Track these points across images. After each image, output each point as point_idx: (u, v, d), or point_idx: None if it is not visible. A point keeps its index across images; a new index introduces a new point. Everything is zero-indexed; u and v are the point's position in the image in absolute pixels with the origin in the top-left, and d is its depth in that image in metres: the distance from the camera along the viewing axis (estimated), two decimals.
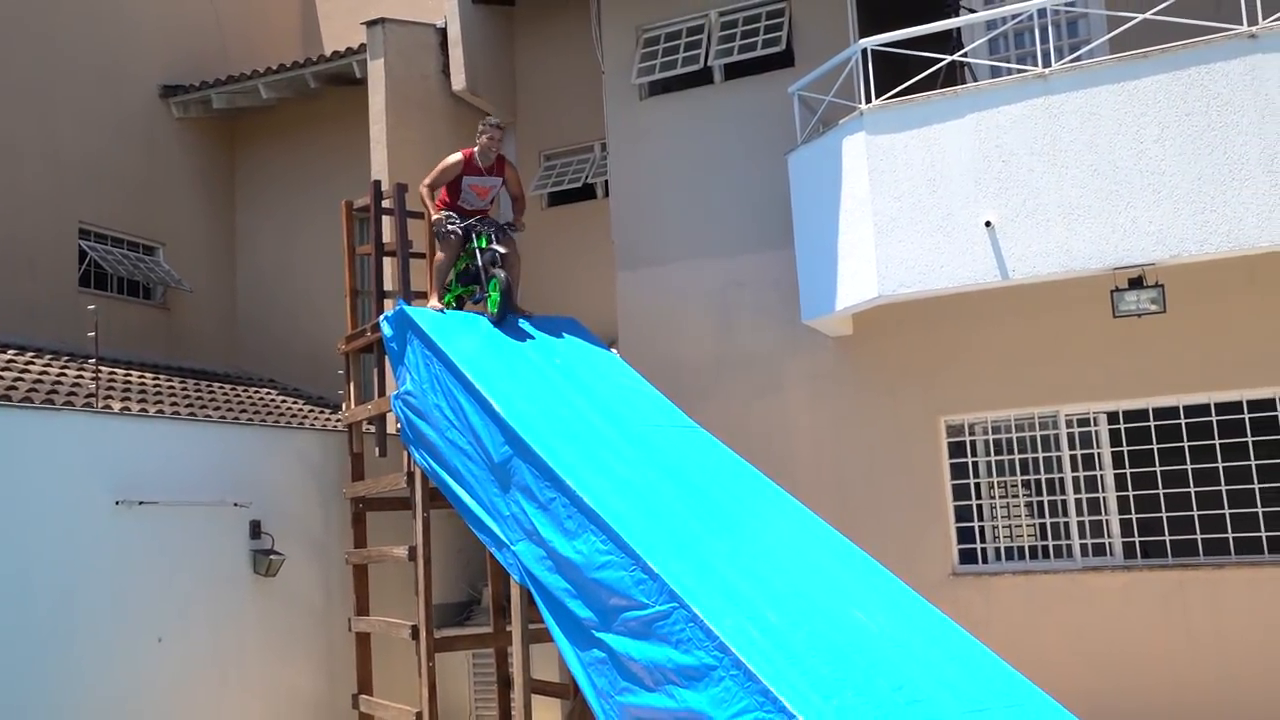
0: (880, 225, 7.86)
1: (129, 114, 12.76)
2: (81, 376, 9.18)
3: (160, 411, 8.55)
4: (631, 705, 5.81)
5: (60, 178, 11.82)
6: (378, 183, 9.41)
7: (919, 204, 7.76)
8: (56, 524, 7.15)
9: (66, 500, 7.23)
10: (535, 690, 7.84)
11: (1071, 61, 7.58)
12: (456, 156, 8.54)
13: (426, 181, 8.55)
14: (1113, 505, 8.34)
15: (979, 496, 8.76)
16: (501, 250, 8.39)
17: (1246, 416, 8.02)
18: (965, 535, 8.75)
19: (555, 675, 8.93)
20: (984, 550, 8.70)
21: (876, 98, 8.01)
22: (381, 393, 8.76)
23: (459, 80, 11.55)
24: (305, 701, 8.79)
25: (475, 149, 8.54)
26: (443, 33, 11.71)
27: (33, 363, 9.43)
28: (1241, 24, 7.06)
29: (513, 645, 7.37)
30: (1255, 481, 7.95)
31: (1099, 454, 8.42)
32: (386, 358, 8.46)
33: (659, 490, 6.68)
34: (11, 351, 9.79)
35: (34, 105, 11.63)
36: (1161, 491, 8.20)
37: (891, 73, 8.34)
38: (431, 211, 8.49)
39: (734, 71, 9.92)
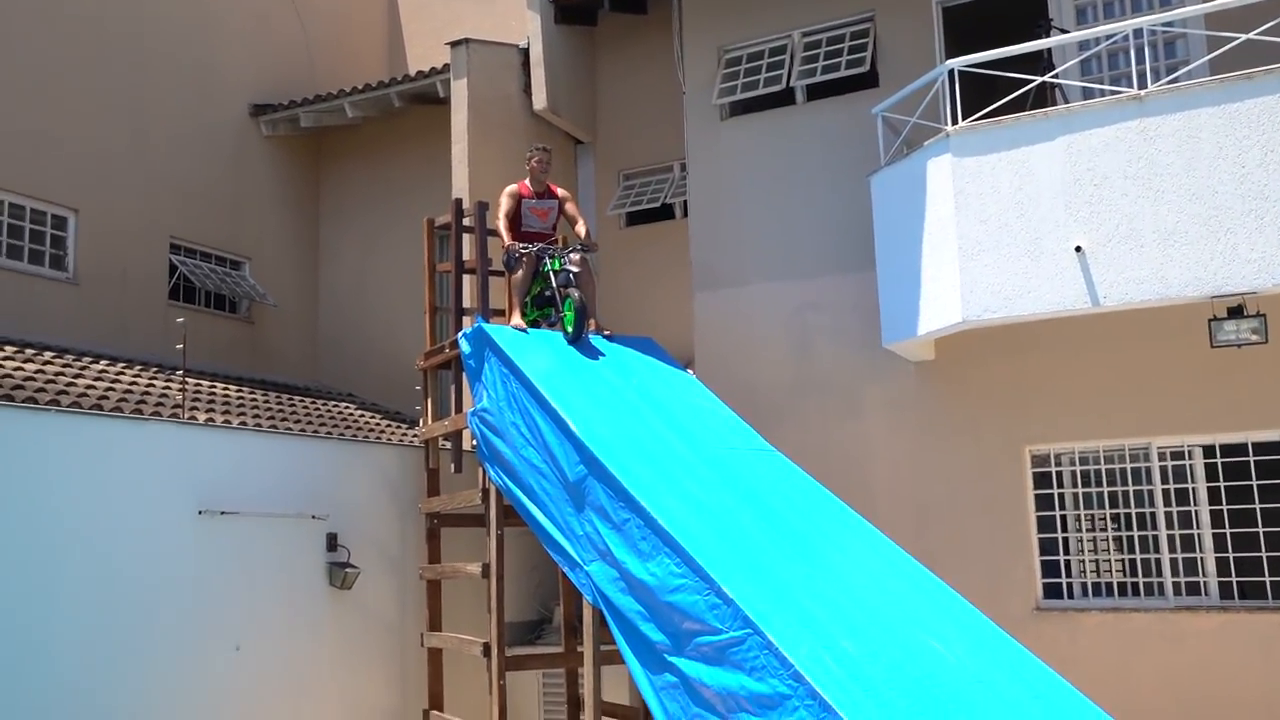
0: (965, 249, 7.69)
1: (220, 131, 13.11)
2: (169, 388, 9.40)
3: (243, 423, 8.71)
4: None
5: (153, 193, 12.17)
6: (459, 201, 9.50)
7: (1006, 227, 7.57)
8: (141, 531, 7.30)
9: (151, 509, 7.38)
10: (605, 712, 7.77)
11: (1169, 83, 7.36)
12: (512, 187, 8.82)
13: (501, 213, 8.68)
14: (1208, 542, 8.01)
15: (1065, 529, 8.49)
16: (575, 269, 8.40)
17: None
18: (1050, 569, 8.48)
19: (626, 698, 8.86)
20: (1070, 585, 8.42)
21: (963, 119, 7.86)
22: (458, 409, 8.80)
23: (540, 100, 11.63)
24: (377, 714, 8.84)
25: (526, 179, 8.79)
26: (525, 53, 11.82)
27: (124, 373, 9.68)
28: None
29: (584, 666, 7.31)
30: None
31: (1193, 489, 8.10)
32: (464, 375, 8.51)
33: (734, 513, 6.59)
34: (104, 362, 10.07)
35: (129, 122, 12.01)
36: (1261, 530, 7.85)
37: (978, 94, 8.19)
38: (506, 240, 8.57)
39: (816, 92, 9.83)
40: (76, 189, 11.40)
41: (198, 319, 12.18)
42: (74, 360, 9.66)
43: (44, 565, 6.74)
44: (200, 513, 7.64)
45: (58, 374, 8.77)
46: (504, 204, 8.72)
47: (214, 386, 10.44)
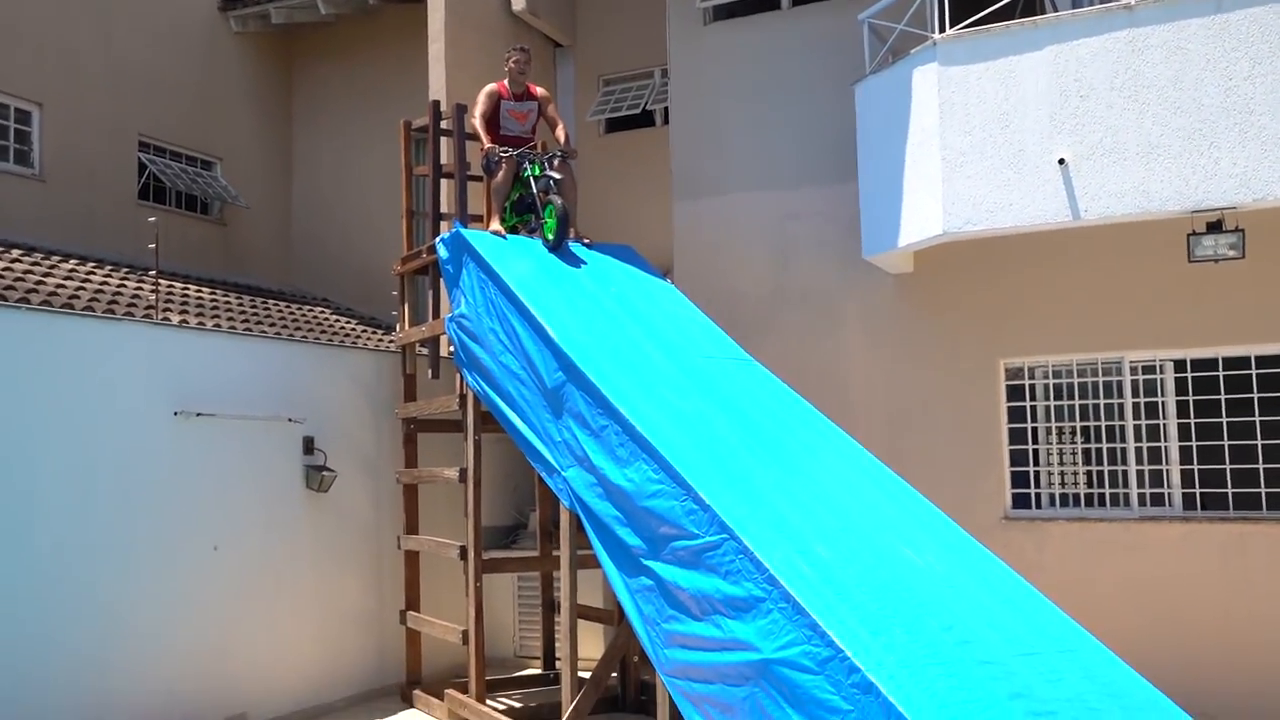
0: (949, 160, 7.63)
1: (188, 26, 12.74)
2: (141, 288, 9.28)
3: (217, 325, 8.62)
4: (678, 633, 5.82)
5: (120, 89, 11.86)
6: (436, 103, 9.31)
7: (990, 139, 7.52)
8: (117, 432, 7.26)
9: (127, 409, 7.33)
10: (580, 615, 7.91)
11: None
12: (491, 86, 8.62)
13: (477, 112, 8.50)
14: (1174, 455, 8.17)
15: (1035, 441, 8.62)
16: (556, 176, 8.29)
17: None
18: (1020, 480, 8.63)
19: (600, 601, 9.01)
20: (1038, 496, 8.58)
21: (950, 27, 7.73)
22: (436, 315, 8.75)
23: (519, 1, 11.34)
24: (354, 615, 8.95)
25: (505, 79, 8.58)
26: None
27: (94, 273, 9.54)
28: None
29: (560, 570, 7.41)
30: None
31: (1163, 403, 8.22)
32: (442, 280, 8.44)
33: (712, 421, 6.62)
34: (73, 261, 9.91)
35: (94, 16, 11.64)
36: (1226, 443, 8.00)
37: (966, 1, 8.04)
38: (485, 141, 8.41)
39: None
40: (41, 83, 11.08)
41: (168, 219, 11.98)
42: (42, 259, 9.49)
43: (20, 465, 6.71)
44: (176, 414, 7.60)
45: (26, 272, 8.62)
46: (481, 104, 8.53)
47: (186, 288, 10.32)
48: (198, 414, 7.71)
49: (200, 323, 8.53)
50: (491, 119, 8.57)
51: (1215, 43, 6.92)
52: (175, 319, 8.38)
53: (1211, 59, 6.94)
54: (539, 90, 8.80)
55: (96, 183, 11.53)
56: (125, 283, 9.45)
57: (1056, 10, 8.23)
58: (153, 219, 9.27)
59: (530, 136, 8.77)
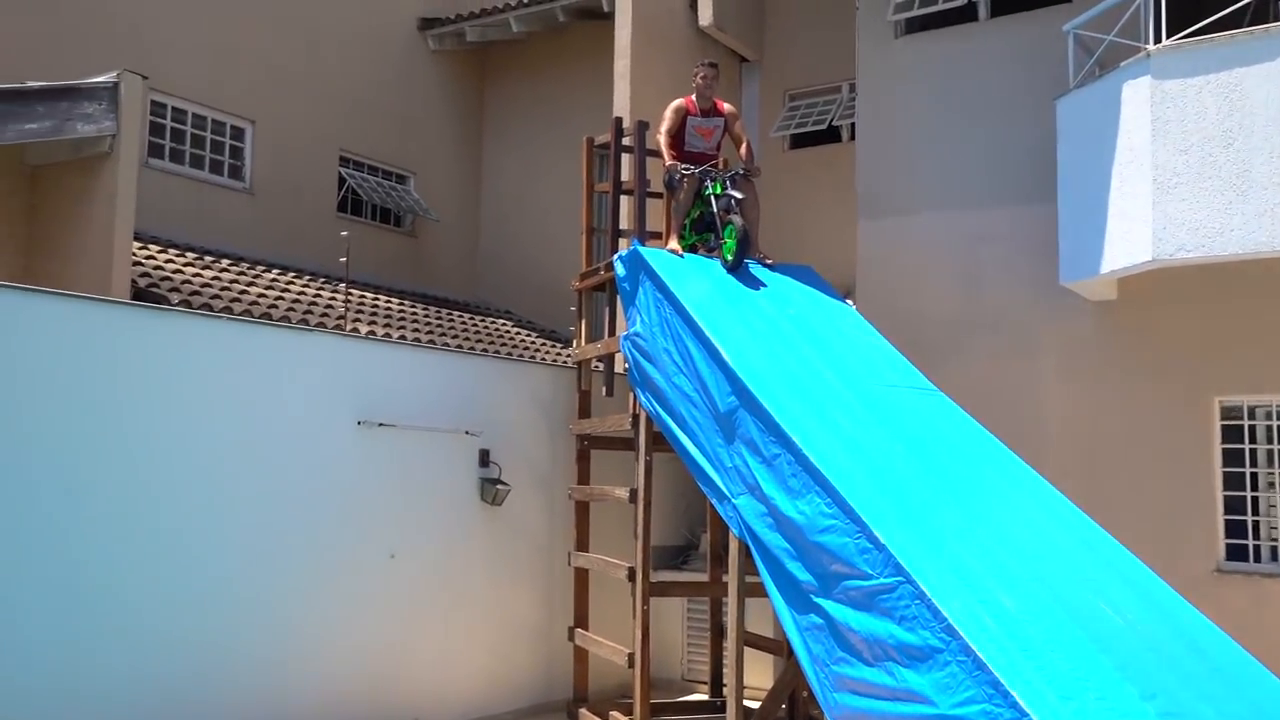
0: (1161, 181, 7.06)
1: (389, 45, 13.26)
2: (335, 298, 9.67)
3: (403, 336, 8.88)
4: (848, 677, 5.55)
5: (324, 106, 12.44)
6: (619, 120, 9.31)
7: (1209, 159, 6.90)
8: (303, 439, 7.54)
9: (313, 417, 7.61)
10: (749, 644, 7.71)
11: None
12: (678, 102, 8.50)
13: (663, 128, 8.44)
14: None
15: (1255, 488, 7.87)
16: (738, 195, 8.12)
17: None
18: (1235, 530, 7.88)
19: (770, 630, 8.76)
20: (1257, 548, 7.83)
21: (1167, 37, 7.15)
22: (612, 332, 8.74)
23: (706, 15, 11.27)
24: (524, 629, 9.03)
25: (692, 94, 8.46)
26: None
27: (293, 283, 10.00)
28: None
29: (728, 598, 7.23)
30: None
31: None
32: (618, 297, 8.41)
33: (891, 454, 6.31)
34: (276, 271, 10.43)
35: (301, 35, 12.25)
36: None
37: (1185, 9, 7.44)
38: (667, 158, 8.34)
39: (1001, 7, 9.17)
40: (253, 101, 11.73)
41: (363, 231, 12.48)
42: (248, 268, 10.03)
43: (213, 469, 7.04)
44: (359, 423, 7.84)
45: (232, 281, 9.12)
46: (667, 119, 8.45)
47: (377, 299, 10.70)
48: (379, 424, 7.93)
49: (387, 332, 8.81)
50: (676, 135, 8.50)
51: None
52: (364, 329, 8.68)
53: None
54: (726, 106, 8.67)
55: (301, 196, 12.12)
56: (321, 293, 9.87)
57: None
58: (345, 233, 9.63)
59: (715, 154, 8.64)
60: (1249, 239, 6.78)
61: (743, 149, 8.50)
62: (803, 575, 5.98)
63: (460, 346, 9.33)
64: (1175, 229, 7.00)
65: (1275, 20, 7.34)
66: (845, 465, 5.99)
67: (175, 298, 8.15)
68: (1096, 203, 7.57)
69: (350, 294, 9.53)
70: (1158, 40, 7.19)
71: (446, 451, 8.48)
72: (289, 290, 9.49)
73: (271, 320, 7.91)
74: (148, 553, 6.68)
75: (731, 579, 7.05)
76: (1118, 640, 5.10)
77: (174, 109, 11.07)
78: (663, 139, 8.42)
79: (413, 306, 11.00)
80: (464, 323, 10.98)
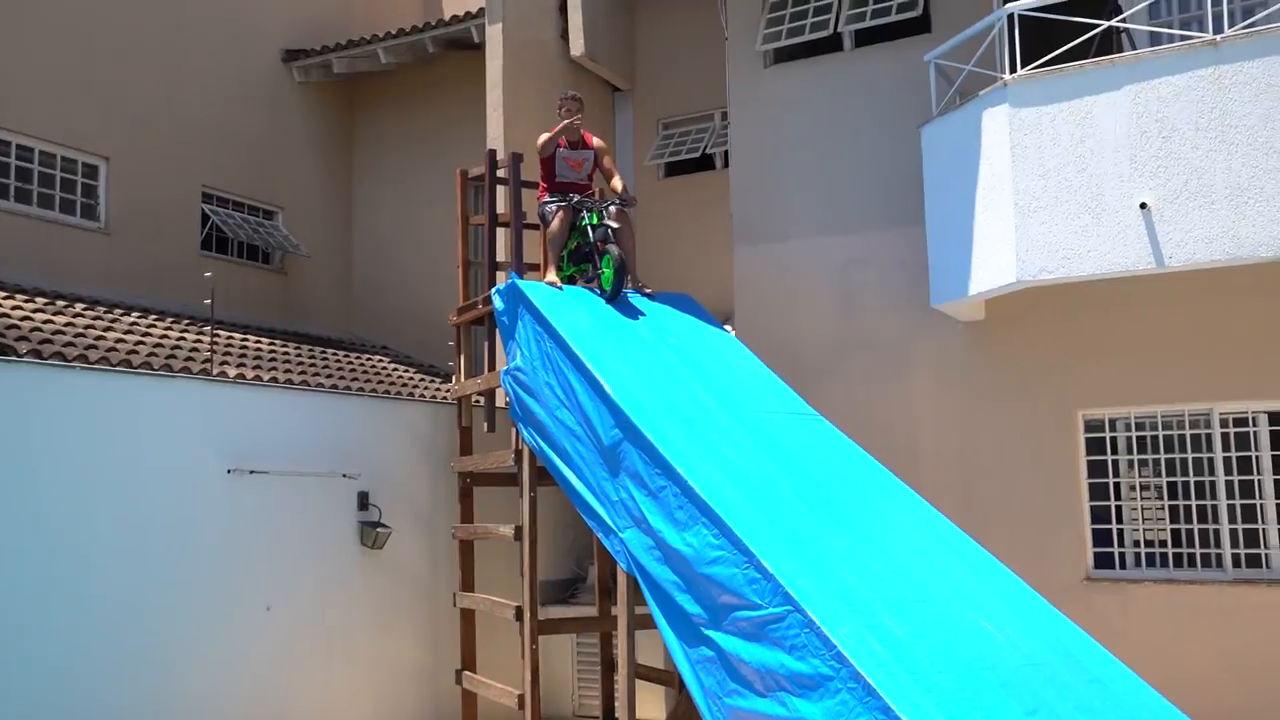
0: (1022, 205, 7.31)
1: (252, 78, 12.87)
2: (200, 340, 9.26)
3: (274, 378, 8.56)
4: (741, 709, 5.52)
5: (185, 141, 11.98)
6: (493, 152, 9.21)
7: (1066, 183, 7.18)
8: (170, 491, 7.20)
9: (180, 467, 7.27)
10: (640, 676, 7.63)
11: (1246, 28, 6.88)
12: (546, 135, 8.39)
13: (541, 142, 8.36)
14: (1271, 513, 7.68)
15: (1119, 497, 8.17)
16: (614, 225, 8.12)
17: None
18: (1102, 539, 8.18)
19: (660, 661, 8.71)
20: (1123, 555, 8.13)
21: (1021, 68, 7.43)
22: (492, 367, 8.59)
23: (577, 46, 11.27)
24: (409, 674, 8.77)
25: (559, 126, 8.36)
26: None
27: (154, 326, 9.55)
28: None
29: (618, 631, 7.14)
30: None
31: (1257, 457, 7.75)
32: (497, 331, 8.29)
33: (775, 482, 6.34)
34: (135, 314, 9.95)
35: (161, 69, 11.79)
36: None
37: (1037, 41, 7.74)
38: (540, 188, 8.29)
39: (865, 38, 9.40)
40: (108, 136, 11.22)
41: (229, 270, 12.05)
42: (105, 312, 9.54)
43: (77, 524, 6.65)
44: (229, 471, 7.52)
45: (88, 326, 8.64)
46: (542, 141, 8.31)
47: (245, 339, 10.30)
48: (251, 471, 7.62)
49: (258, 374, 8.47)
50: (545, 166, 8.43)
51: None
52: (232, 371, 8.32)
53: None
54: (595, 141, 8.66)
55: (161, 235, 11.62)
56: (185, 335, 9.44)
57: (1134, 46, 7.90)
58: (208, 274, 9.27)
59: (587, 184, 8.62)
60: (1105, 259, 7.07)
61: (615, 181, 8.50)
62: (692, 608, 5.95)
63: (335, 386, 9.04)
64: (1037, 251, 7.24)
65: (1119, 51, 7.70)
66: (731, 495, 5.99)
67: (24, 347, 7.69)
68: (962, 227, 7.80)
69: (216, 335, 9.16)
70: (1013, 70, 7.46)
71: (323, 496, 8.20)
72: (150, 334, 9.05)
73: (131, 367, 7.52)
74: None
75: (621, 614, 6.97)
76: (999, 657, 5.20)
77: (19, 146, 10.50)
78: (543, 170, 8.35)
79: (284, 346, 10.63)
80: (338, 361, 10.67)
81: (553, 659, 9.52)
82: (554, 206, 8.21)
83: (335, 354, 11.07)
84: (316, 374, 9.44)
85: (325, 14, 13.79)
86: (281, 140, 13.15)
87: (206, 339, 9.16)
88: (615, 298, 8.02)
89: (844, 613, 5.21)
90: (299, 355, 10.30)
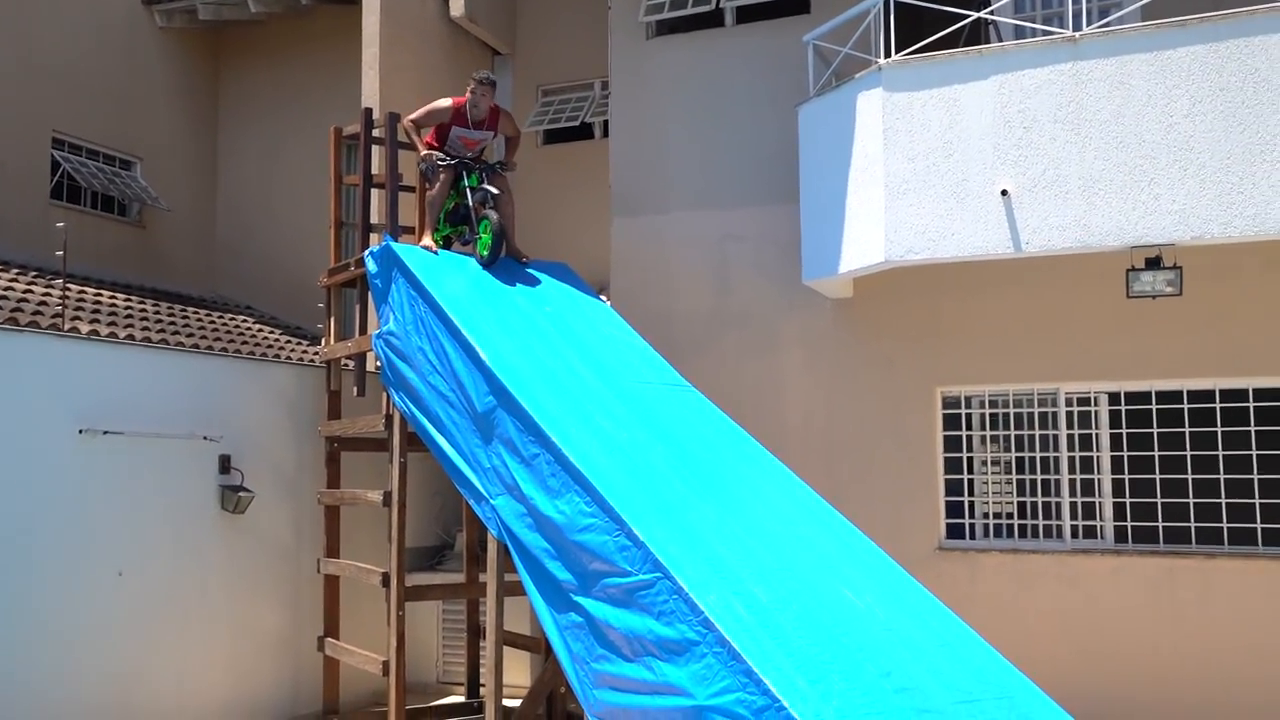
0: (891, 187, 7.53)
1: (109, 20, 12.20)
2: (49, 294, 8.80)
3: (131, 335, 8.21)
4: (608, 674, 5.60)
5: (34, 83, 11.29)
6: (369, 110, 8.99)
7: (933, 167, 7.43)
8: (16, 451, 6.84)
9: (27, 426, 6.92)
10: (507, 642, 7.65)
11: (1103, 26, 7.23)
12: (446, 103, 8.17)
13: (413, 117, 8.18)
14: (1107, 487, 8.17)
15: (971, 471, 8.56)
16: (494, 190, 8.05)
17: (1252, 405, 7.83)
18: (954, 510, 8.56)
19: (527, 629, 8.76)
20: (972, 526, 8.53)
21: (896, 53, 7.64)
22: (363, 330, 8.44)
23: (457, 7, 11.07)
24: (270, 641, 8.59)
25: (466, 100, 8.14)
26: None
27: None
28: None
29: (486, 598, 7.15)
30: (1255, 472, 7.78)
31: (1097, 434, 8.22)
32: (370, 294, 8.13)
33: (647, 451, 6.42)
34: None
35: (8, 6, 11.07)
36: (1158, 477, 8.02)
37: (909, 28, 7.96)
38: (419, 147, 8.12)
39: (747, 15, 9.49)
40: None
41: (82, 221, 11.46)
42: None
43: None
44: (81, 431, 7.20)
45: None
46: (422, 112, 8.11)
47: (99, 294, 9.84)
48: (105, 432, 7.31)
49: (113, 332, 8.11)
50: (437, 133, 8.22)
51: (1157, 79, 6.91)
52: (84, 328, 7.95)
53: (1153, 95, 6.93)
54: (503, 117, 8.38)
55: (6, 181, 10.96)
56: (33, 287, 8.96)
57: (1000, 38, 8.21)
58: (61, 224, 8.79)
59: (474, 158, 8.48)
60: (967, 243, 7.35)
61: (510, 144, 8.41)
62: (562, 574, 6.00)
63: (196, 345, 8.71)
64: (904, 232, 7.49)
65: (987, 42, 7.99)
66: (604, 464, 6.04)
67: None
68: (835, 206, 8.00)
69: (68, 289, 8.71)
70: (888, 55, 7.66)
71: (182, 459, 7.93)
72: None
73: None
74: None
75: (490, 581, 6.98)
76: (858, 623, 5.41)
77: None
78: (410, 125, 8.14)
79: (141, 302, 10.19)
80: (200, 319, 10.28)
81: (417, 626, 9.46)
82: (439, 164, 8.03)
83: (197, 312, 10.68)
84: (176, 333, 9.09)
85: None
86: (141, 88, 12.53)
87: (57, 293, 8.71)
88: (492, 263, 7.97)
89: (711, 579, 5.33)
90: (158, 313, 9.90)
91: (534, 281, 8.13)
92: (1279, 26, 6.67)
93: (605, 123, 10.89)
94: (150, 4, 12.65)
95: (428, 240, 8.07)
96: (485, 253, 7.95)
